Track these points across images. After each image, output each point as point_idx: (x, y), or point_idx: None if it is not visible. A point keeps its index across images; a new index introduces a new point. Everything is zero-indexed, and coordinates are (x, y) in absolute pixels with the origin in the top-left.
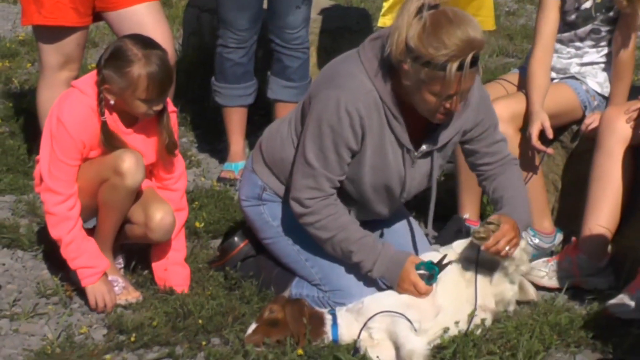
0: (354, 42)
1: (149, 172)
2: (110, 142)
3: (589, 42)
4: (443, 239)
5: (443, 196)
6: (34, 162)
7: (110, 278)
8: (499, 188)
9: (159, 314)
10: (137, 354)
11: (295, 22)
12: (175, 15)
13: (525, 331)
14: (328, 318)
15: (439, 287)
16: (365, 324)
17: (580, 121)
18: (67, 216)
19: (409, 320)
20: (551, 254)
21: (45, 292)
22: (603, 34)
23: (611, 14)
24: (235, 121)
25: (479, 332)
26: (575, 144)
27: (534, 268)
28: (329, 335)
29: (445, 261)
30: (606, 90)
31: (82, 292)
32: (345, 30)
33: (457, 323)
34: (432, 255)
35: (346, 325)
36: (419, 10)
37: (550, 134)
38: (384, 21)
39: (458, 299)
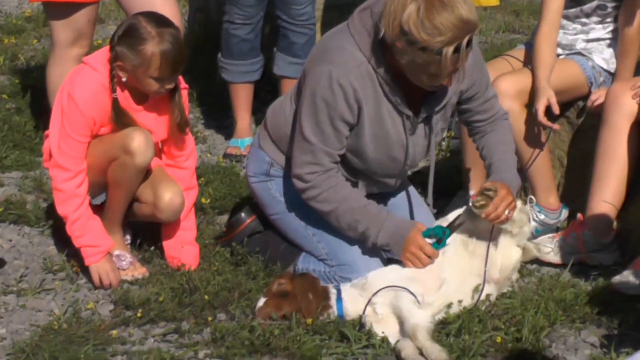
0: None
1: (159, 150)
2: (120, 119)
3: (595, 18)
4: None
5: (449, 172)
6: (42, 138)
7: (117, 253)
8: (488, 148)
9: (165, 290)
10: (143, 330)
11: None
12: None
13: (530, 307)
14: (333, 293)
15: (443, 259)
16: (369, 300)
17: (586, 97)
18: (74, 193)
19: (412, 293)
20: (557, 230)
21: (52, 268)
22: (609, 10)
23: None
24: (242, 97)
25: (484, 307)
26: (581, 120)
27: (539, 244)
28: (334, 310)
29: (457, 222)
30: (612, 67)
31: (88, 268)
32: (352, 5)
33: (460, 302)
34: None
35: (350, 300)
36: None
37: (556, 109)
38: None
39: (462, 270)
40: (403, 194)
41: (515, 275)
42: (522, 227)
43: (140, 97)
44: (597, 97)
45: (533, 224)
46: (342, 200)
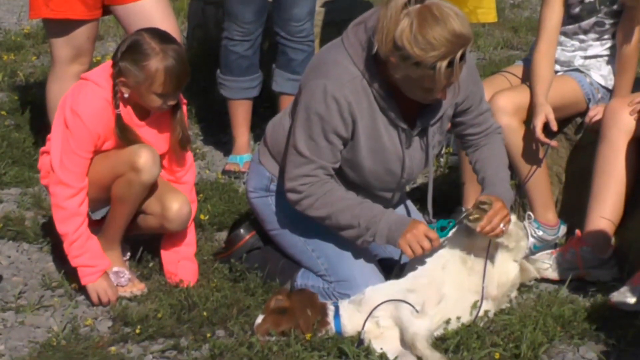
0: None
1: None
2: (125, 135)
3: (593, 35)
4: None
5: (447, 188)
6: (40, 155)
7: (116, 269)
8: (481, 162)
9: (164, 306)
10: (142, 346)
11: (300, 14)
12: (180, 8)
13: (528, 323)
14: (331, 309)
15: (444, 274)
16: (370, 314)
17: (584, 114)
18: (76, 212)
19: (411, 305)
20: (555, 246)
21: (50, 284)
22: (607, 26)
23: (615, 6)
24: (240, 114)
25: (482, 324)
26: (579, 136)
27: (537, 260)
28: (332, 327)
29: (462, 217)
30: (610, 83)
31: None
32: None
33: (458, 318)
34: None
35: (348, 317)
36: (405, 5)
37: (554, 126)
38: None
39: (461, 287)
40: (401, 208)
41: (514, 293)
42: (519, 241)
43: (142, 113)
44: (595, 113)
45: (531, 240)
46: (340, 200)
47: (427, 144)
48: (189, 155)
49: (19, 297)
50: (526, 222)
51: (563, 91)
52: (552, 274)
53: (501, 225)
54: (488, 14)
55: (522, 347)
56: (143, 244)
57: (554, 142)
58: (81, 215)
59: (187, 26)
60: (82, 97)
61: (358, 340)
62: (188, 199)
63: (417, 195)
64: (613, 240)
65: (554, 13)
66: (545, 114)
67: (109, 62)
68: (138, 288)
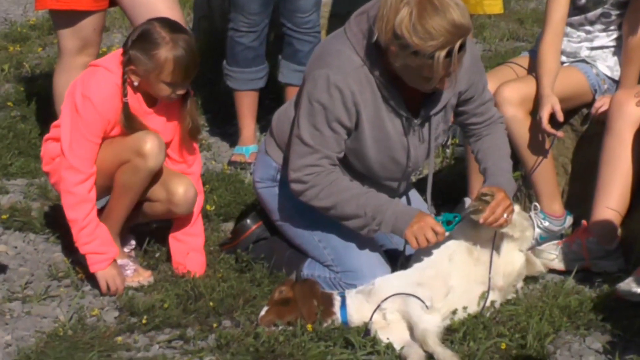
0: None
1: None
2: (130, 124)
3: (599, 26)
4: None
5: (453, 179)
6: (43, 142)
7: (120, 262)
8: (483, 152)
9: (170, 296)
10: (148, 336)
11: (306, 5)
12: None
13: (535, 313)
14: (337, 299)
15: (451, 266)
16: (378, 306)
17: (590, 105)
18: (86, 198)
19: (420, 299)
20: (561, 236)
21: (57, 274)
22: (613, 17)
23: None
24: (247, 105)
25: (488, 314)
26: (585, 127)
27: (543, 250)
28: (337, 317)
29: (468, 211)
30: (616, 74)
31: (93, 275)
32: None
33: (465, 308)
34: None
35: (356, 307)
36: None
37: (560, 117)
38: None
39: (467, 278)
40: (406, 198)
41: (520, 284)
42: (524, 231)
43: (152, 101)
44: (601, 104)
45: (537, 231)
46: (345, 189)
47: (429, 132)
48: (195, 146)
49: (26, 287)
50: (532, 213)
51: (569, 82)
52: (558, 265)
53: (504, 215)
54: (494, 5)
55: (528, 338)
56: (149, 234)
57: (560, 133)
58: (91, 201)
59: (192, 17)
60: (93, 82)
61: (365, 330)
62: (192, 182)
63: (423, 186)
64: (619, 231)
65: (560, 4)
66: (551, 105)
67: (119, 50)
68: (144, 277)
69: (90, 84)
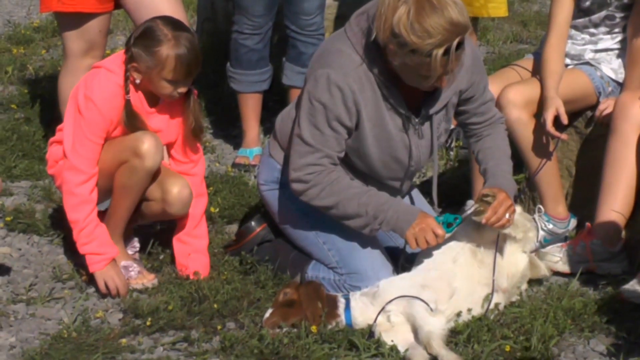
0: None
1: (169, 155)
2: (131, 122)
3: (603, 29)
4: None
5: (457, 182)
6: (48, 145)
7: (124, 264)
8: (484, 152)
9: (175, 299)
10: (152, 338)
11: (310, 8)
12: (190, 1)
13: (539, 316)
14: (341, 302)
15: (455, 267)
16: (383, 308)
17: (594, 107)
18: (88, 199)
19: (425, 302)
20: (565, 239)
21: (61, 276)
22: (617, 20)
23: (626, 0)
24: (250, 107)
25: (492, 316)
26: (590, 129)
27: (547, 253)
28: (342, 319)
29: (469, 212)
30: (620, 77)
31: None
32: None
33: (469, 310)
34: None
35: (360, 309)
36: None
37: (565, 120)
38: None
39: (471, 280)
40: (409, 198)
41: (524, 286)
42: (527, 232)
43: (154, 100)
44: (606, 106)
45: (542, 233)
46: (346, 188)
47: (431, 131)
48: (199, 147)
49: (30, 289)
50: (536, 215)
51: (573, 85)
52: (563, 267)
53: (507, 215)
54: (499, 8)
55: (533, 340)
56: (153, 236)
57: (564, 136)
58: (92, 202)
59: (196, 19)
60: (95, 83)
61: (369, 332)
62: (189, 183)
63: (427, 189)
64: (623, 233)
65: (565, 7)
66: (555, 108)
67: (121, 52)
68: (148, 279)
69: (92, 85)
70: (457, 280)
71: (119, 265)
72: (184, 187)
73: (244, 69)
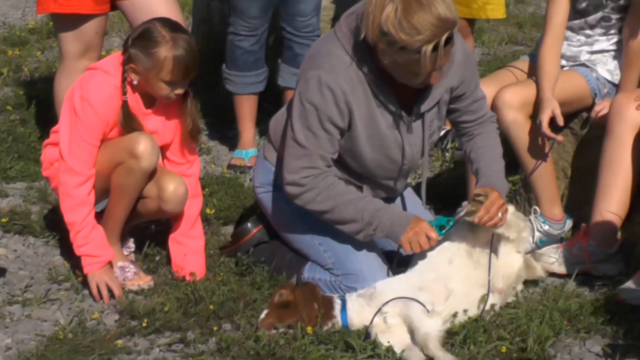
0: None
1: (164, 156)
2: (128, 123)
3: (599, 30)
4: None
5: (453, 183)
6: (43, 147)
7: (121, 264)
8: (475, 152)
9: (171, 300)
10: (148, 339)
11: (306, 9)
12: (185, 3)
13: (535, 317)
14: (337, 303)
15: (451, 268)
16: (379, 310)
17: (590, 108)
18: (85, 201)
19: (421, 303)
20: (561, 240)
21: (57, 278)
22: (613, 21)
23: (621, 1)
24: (246, 109)
25: (489, 317)
26: (585, 131)
27: (543, 254)
28: (338, 320)
29: (461, 214)
30: (616, 78)
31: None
32: None
33: (465, 311)
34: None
35: (356, 311)
36: None
37: (560, 121)
38: None
39: (467, 281)
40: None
41: (520, 286)
42: (520, 232)
43: (150, 101)
44: (601, 108)
45: (537, 234)
46: (342, 193)
47: (423, 129)
48: (194, 148)
49: (26, 290)
50: (532, 217)
51: (569, 86)
52: (559, 268)
53: (499, 214)
54: (497, 10)
55: (529, 341)
56: (149, 237)
57: (560, 137)
58: (89, 204)
59: (191, 21)
60: (92, 84)
61: (365, 334)
62: (184, 180)
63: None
64: (619, 234)
65: (561, 8)
66: (551, 109)
67: (117, 53)
68: (145, 281)
69: (88, 86)
70: (454, 281)
71: (115, 267)
72: (180, 185)
73: (240, 71)
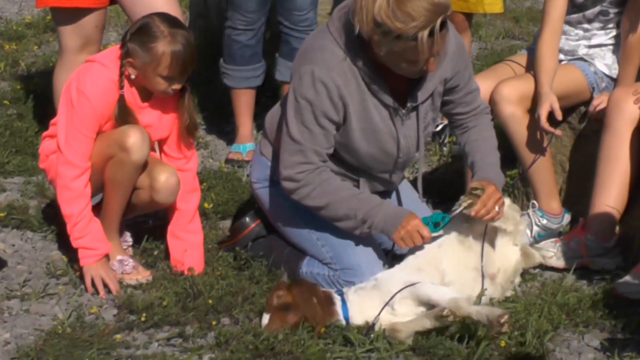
0: None
1: (161, 151)
2: (123, 117)
3: (597, 24)
4: None
5: (451, 177)
6: (41, 140)
7: (120, 258)
8: (470, 145)
9: (169, 294)
10: (147, 334)
11: (303, 4)
12: None
13: (533, 311)
14: (337, 298)
15: (439, 251)
16: (388, 302)
17: (588, 103)
18: (82, 193)
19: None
20: (559, 234)
21: (55, 272)
22: (611, 15)
23: None
24: (244, 103)
25: None
26: (583, 125)
27: (541, 248)
28: (340, 316)
29: (457, 211)
30: (614, 72)
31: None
32: None
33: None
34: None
35: (357, 304)
36: None
37: (559, 115)
38: None
39: (458, 263)
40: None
41: (517, 279)
42: (517, 225)
43: (146, 95)
44: (599, 102)
45: (535, 228)
46: (338, 190)
47: (417, 121)
48: (191, 142)
49: (24, 285)
50: (530, 211)
51: (567, 80)
52: (557, 262)
53: (496, 207)
54: (495, 4)
55: (527, 335)
56: (147, 232)
57: (558, 131)
58: (86, 197)
59: (189, 16)
60: (88, 77)
61: (367, 328)
62: (177, 171)
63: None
64: (617, 228)
65: (558, 2)
66: (550, 103)
67: (115, 47)
68: (143, 275)
69: (85, 79)
70: (444, 262)
71: (112, 260)
72: (172, 175)
73: (237, 65)
